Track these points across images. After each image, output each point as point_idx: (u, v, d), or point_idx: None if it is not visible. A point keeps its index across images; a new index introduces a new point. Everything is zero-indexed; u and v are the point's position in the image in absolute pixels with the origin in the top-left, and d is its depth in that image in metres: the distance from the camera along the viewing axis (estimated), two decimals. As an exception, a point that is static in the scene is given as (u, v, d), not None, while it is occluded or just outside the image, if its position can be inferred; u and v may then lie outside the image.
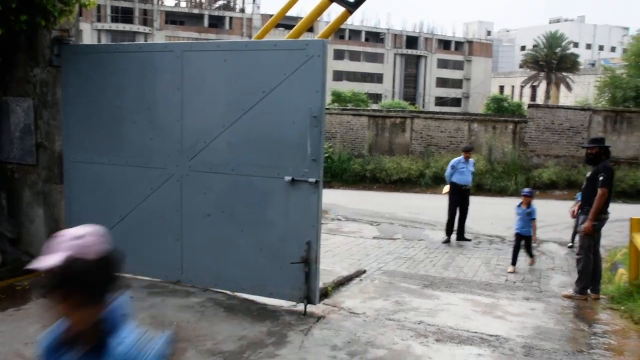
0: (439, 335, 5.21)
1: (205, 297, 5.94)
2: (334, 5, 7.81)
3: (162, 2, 68.39)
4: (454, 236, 11.17)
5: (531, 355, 4.80)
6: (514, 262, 8.96)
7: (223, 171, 5.92)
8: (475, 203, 12.12)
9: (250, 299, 5.97)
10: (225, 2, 73.80)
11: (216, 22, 69.62)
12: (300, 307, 5.72)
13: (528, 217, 9.00)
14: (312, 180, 5.48)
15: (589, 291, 7.18)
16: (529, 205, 9.04)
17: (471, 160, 11.47)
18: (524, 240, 9.13)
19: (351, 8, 7.80)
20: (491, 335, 5.27)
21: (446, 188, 11.39)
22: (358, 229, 12.58)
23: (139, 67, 6.28)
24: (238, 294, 6.04)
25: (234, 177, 5.88)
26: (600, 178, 6.99)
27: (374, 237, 11.59)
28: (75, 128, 6.65)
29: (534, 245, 9.47)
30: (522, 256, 9.15)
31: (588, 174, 7.36)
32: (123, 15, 60.23)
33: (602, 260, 7.81)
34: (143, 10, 62.51)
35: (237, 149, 5.84)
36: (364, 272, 7.98)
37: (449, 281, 7.74)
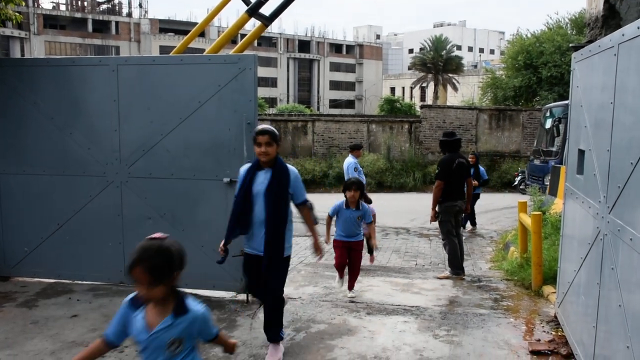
0: (369, 309, 5.97)
1: (151, 295, 6.33)
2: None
3: (39, 5, 65.10)
4: None
5: (447, 318, 5.67)
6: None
7: (163, 176, 6.34)
8: (379, 199, 12.88)
9: (194, 293, 6.41)
10: (109, 6, 71.60)
11: (101, 27, 67.26)
12: (242, 296, 6.28)
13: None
14: (249, 180, 6.05)
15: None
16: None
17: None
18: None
19: (267, 22, 8.42)
20: (412, 307, 6.11)
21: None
22: (272, 228, 13.12)
23: (73, 80, 6.54)
24: (182, 290, 6.48)
25: (174, 182, 6.32)
26: (436, 171, 7.89)
27: (290, 235, 12.20)
28: (3, 140, 6.78)
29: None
30: (416, 241, 10.06)
31: None
32: (-10, 17, 56.78)
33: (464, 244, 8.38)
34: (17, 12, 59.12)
35: (176, 155, 6.28)
36: (288, 265, 8.60)
37: (367, 268, 8.52)
